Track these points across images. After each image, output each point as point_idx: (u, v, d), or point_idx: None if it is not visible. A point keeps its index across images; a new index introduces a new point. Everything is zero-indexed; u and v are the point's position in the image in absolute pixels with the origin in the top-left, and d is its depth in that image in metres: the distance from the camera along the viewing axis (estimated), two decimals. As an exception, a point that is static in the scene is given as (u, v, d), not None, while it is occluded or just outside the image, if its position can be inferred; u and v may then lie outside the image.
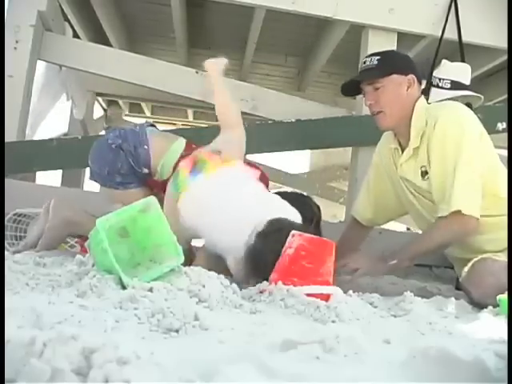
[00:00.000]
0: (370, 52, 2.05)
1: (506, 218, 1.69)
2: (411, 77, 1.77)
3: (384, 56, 1.78)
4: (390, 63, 1.77)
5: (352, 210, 2.18)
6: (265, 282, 1.30)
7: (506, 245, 1.65)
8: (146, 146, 1.85)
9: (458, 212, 1.62)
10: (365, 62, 1.79)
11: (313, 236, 1.35)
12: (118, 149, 1.84)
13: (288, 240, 1.35)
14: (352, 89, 1.87)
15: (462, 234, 1.68)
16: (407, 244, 1.74)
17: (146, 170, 1.85)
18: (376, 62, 1.76)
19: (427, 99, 2.33)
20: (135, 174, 1.86)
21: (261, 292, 1.26)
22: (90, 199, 2.23)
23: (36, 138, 3.29)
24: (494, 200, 1.73)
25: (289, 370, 0.64)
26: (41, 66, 3.08)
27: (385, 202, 2.03)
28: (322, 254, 1.33)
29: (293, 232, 1.36)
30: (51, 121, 3.61)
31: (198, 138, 2.66)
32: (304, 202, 1.90)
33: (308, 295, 1.20)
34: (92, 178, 1.93)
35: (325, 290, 1.26)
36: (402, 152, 1.84)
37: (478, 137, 1.71)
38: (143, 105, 5.77)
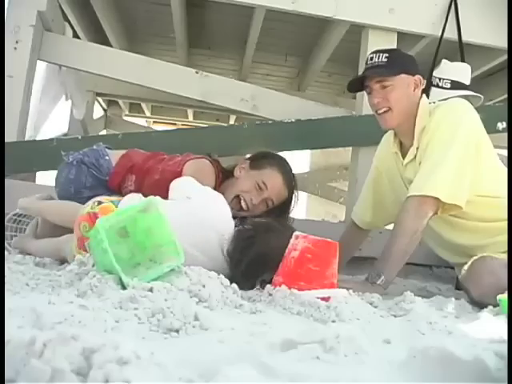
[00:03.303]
0: (369, 52, 2.04)
1: (505, 223, 1.69)
2: (418, 77, 1.76)
3: (392, 54, 1.75)
4: (400, 62, 1.75)
5: (351, 214, 2.18)
6: (268, 285, 1.30)
7: (505, 247, 1.64)
8: (107, 157, 1.98)
9: (432, 197, 1.62)
10: (371, 59, 1.75)
11: (317, 237, 1.33)
12: (79, 164, 1.94)
13: (291, 242, 1.34)
14: (356, 85, 1.83)
15: (428, 215, 1.65)
16: (384, 253, 1.66)
17: (107, 177, 1.95)
18: (385, 60, 1.72)
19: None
20: (102, 184, 1.93)
21: (270, 295, 1.25)
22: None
23: (39, 138, 3.29)
24: (496, 203, 1.72)
25: (289, 370, 0.64)
26: (41, 66, 3.08)
27: (384, 206, 2.02)
28: (328, 256, 1.31)
29: (296, 233, 1.35)
30: (52, 121, 3.61)
31: (198, 138, 2.68)
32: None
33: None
34: None
35: (333, 293, 1.25)
36: (403, 155, 1.84)
37: (474, 132, 1.71)
38: (143, 105, 5.77)
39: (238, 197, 1.81)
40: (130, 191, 1.90)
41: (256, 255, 1.39)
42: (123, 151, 2.05)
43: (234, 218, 1.80)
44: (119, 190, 1.96)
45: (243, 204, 1.80)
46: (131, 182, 1.95)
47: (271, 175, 1.83)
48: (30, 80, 2.61)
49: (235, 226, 1.54)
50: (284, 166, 1.88)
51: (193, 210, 1.51)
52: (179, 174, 1.82)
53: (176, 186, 1.66)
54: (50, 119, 3.55)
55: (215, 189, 1.82)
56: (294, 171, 1.93)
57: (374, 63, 1.74)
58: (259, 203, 1.81)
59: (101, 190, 1.91)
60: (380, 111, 1.75)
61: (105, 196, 1.70)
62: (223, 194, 1.80)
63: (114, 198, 1.62)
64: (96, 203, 1.53)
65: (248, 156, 1.97)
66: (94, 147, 2.05)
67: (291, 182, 1.87)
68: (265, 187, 1.81)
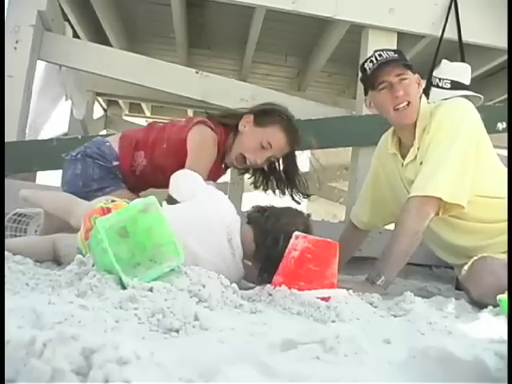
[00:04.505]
0: (370, 52, 2.04)
1: (505, 224, 1.69)
2: (417, 76, 1.77)
3: (397, 51, 1.75)
4: (406, 59, 1.76)
5: (350, 214, 2.18)
6: (268, 285, 1.30)
7: (505, 248, 1.64)
8: (107, 143, 2.02)
9: (434, 197, 1.62)
10: (380, 55, 1.71)
11: (317, 237, 1.34)
12: (83, 157, 1.97)
13: (291, 242, 1.34)
14: (369, 82, 1.77)
15: (430, 216, 1.65)
16: (385, 254, 1.66)
17: (116, 162, 1.98)
18: (396, 55, 1.71)
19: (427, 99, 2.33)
20: (109, 174, 1.96)
21: (270, 295, 1.25)
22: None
23: (39, 138, 3.29)
24: (496, 204, 1.72)
25: (289, 370, 0.64)
26: (41, 66, 3.08)
27: (383, 206, 2.02)
28: (327, 256, 1.31)
29: (296, 233, 1.35)
30: (52, 121, 3.61)
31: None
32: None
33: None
34: None
35: (333, 293, 1.26)
36: (402, 156, 1.83)
37: (475, 131, 1.71)
38: (143, 105, 5.77)
39: (243, 155, 1.92)
40: (144, 167, 1.98)
41: (287, 226, 1.45)
42: (119, 134, 2.09)
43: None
44: (132, 172, 2.00)
45: (248, 163, 1.94)
46: (142, 159, 2.00)
47: (276, 134, 1.92)
48: (30, 80, 2.61)
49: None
50: (288, 122, 1.95)
51: (198, 213, 1.51)
52: (184, 141, 1.90)
53: (178, 183, 1.67)
54: (50, 119, 3.55)
55: (220, 149, 1.93)
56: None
57: (388, 58, 1.70)
58: (263, 161, 1.94)
59: (108, 182, 1.92)
60: (401, 105, 1.71)
61: (119, 191, 1.72)
62: (230, 151, 1.96)
63: (127, 199, 1.63)
64: (110, 201, 1.54)
65: (252, 108, 2.06)
66: (94, 139, 2.09)
67: (295, 137, 1.96)
68: (269, 146, 1.90)
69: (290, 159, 2.02)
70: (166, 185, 1.84)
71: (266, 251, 1.46)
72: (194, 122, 1.95)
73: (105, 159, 1.97)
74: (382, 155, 1.97)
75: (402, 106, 1.71)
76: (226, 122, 2.00)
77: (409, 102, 1.71)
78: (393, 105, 1.72)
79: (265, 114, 1.97)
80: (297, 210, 1.61)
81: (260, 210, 1.58)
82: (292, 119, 1.98)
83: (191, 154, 1.87)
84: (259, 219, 1.53)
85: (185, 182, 1.67)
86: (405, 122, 1.76)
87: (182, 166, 1.83)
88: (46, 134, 3.50)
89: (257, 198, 2.18)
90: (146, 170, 2.00)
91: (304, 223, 1.50)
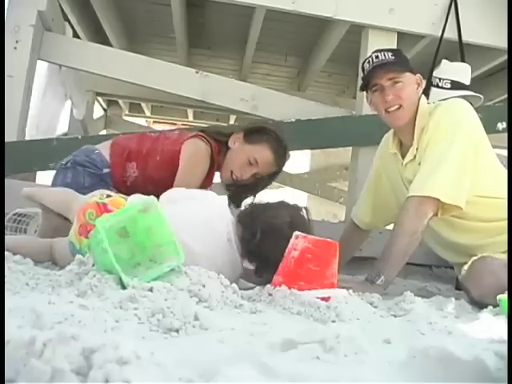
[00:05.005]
0: (369, 52, 2.04)
1: (505, 223, 1.69)
2: (419, 76, 1.77)
3: (396, 52, 1.75)
4: (404, 60, 1.76)
5: (351, 214, 2.18)
6: (268, 285, 1.30)
7: (505, 247, 1.64)
8: (97, 151, 2.01)
9: (432, 198, 1.62)
10: (377, 57, 1.72)
11: (317, 237, 1.33)
12: (73, 165, 1.96)
13: (291, 242, 1.34)
14: (364, 83, 1.79)
15: (428, 215, 1.65)
16: (384, 253, 1.66)
17: (106, 170, 1.98)
18: (393, 57, 1.71)
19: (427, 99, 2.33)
20: (100, 181, 1.95)
21: (270, 295, 1.25)
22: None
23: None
24: (495, 203, 1.72)
25: (289, 370, 0.64)
26: (43, 66, 3.08)
27: (384, 206, 2.02)
28: (328, 256, 1.31)
29: (296, 233, 1.35)
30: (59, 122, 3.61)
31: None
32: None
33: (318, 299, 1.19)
34: None
35: (333, 293, 1.26)
36: (402, 156, 1.84)
37: (473, 132, 1.71)
38: (143, 105, 5.77)
39: (231, 171, 1.97)
40: (135, 178, 1.97)
41: (269, 219, 1.46)
42: (109, 141, 2.08)
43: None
44: (123, 182, 1.98)
45: (234, 178, 1.97)
46: (134, 169, 1.99)
47: (263, 152, 1.94)
48: (30, 80, 2.61)
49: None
50: (277, 143, 1.96)
51: (197, 211, 1.51)
52: (178, 153, 1.91)
53: (172, 193, 1.66)
54: (60, 120, 3.56)
55: (213, 163, 1.95)
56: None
57: (383, 60, 1.71)
58: (249, 178, 1.97)
59: (100, 188, 1.92)
60: (392, 108, 1.72)
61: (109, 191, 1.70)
62: (221, 167, 2.00)
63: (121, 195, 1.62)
64: (105, 195, 1.53)
65: (243, 126, 2.07)
66: (82, 148, 2.08)
67: (282, 158, 1.99)
68: (256, 163, 1.94)
69: (272, 177, 2.05)
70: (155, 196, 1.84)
71: (246, 245, 1.48)
72: (189, 136, 1.96)
73: (95, 167, 1.96)
74: (384, 155, 1.97)
75: (392, 109, 1.72)
76: (219, 139, 2.00)
77: (400, 105, 1.72)
78: (384, 107, 1.74)
79: (254, 132, 1.99)
80: (287, 204, 1.59)
81: (249, 206, 1.60)
82: (281, 139, 1.99)
83: (184, 165, 1.88)
84: (242, 214, 1.55)
85: (179, 190, 1.67)
86: (396, 124, 1.78)
87: (174, 179, 1.85)
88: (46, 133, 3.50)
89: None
90: (136, 181, 1.99)
91: (290, 215, 1.48)
